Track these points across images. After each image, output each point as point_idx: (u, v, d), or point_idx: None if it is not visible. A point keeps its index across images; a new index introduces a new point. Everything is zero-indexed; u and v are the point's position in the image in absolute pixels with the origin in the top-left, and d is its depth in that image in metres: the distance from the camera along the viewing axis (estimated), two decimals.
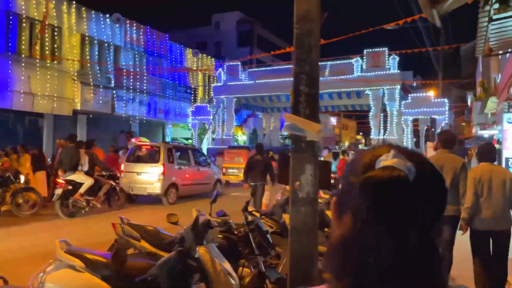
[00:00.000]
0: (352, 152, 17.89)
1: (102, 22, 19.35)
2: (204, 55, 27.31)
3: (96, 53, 19.09)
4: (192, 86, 25.67)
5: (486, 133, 23.43)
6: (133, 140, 20.35)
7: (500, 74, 8.91)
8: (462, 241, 4.67)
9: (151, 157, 12.17)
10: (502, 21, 4.57)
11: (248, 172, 9.12)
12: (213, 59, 28.06)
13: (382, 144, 0.73)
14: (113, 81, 19.44)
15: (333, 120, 58.02)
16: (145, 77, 21.47)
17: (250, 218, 3.74)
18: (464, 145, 11.68)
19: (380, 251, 0.63)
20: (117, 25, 20.08)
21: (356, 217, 0.66)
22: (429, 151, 10.23)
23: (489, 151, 4.63)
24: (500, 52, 6.05)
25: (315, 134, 2.90)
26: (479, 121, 19.91)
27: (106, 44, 19.54)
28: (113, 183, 10.35)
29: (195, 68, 25.26)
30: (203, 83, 27.37)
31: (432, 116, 11.81)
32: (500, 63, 9.14)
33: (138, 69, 21.00)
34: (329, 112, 38.23)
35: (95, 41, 18.99)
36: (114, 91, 19.54)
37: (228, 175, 17.84)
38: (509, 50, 5.71)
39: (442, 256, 0.68)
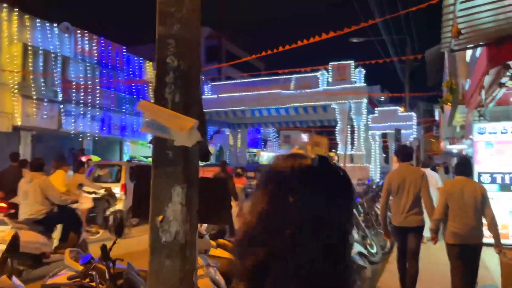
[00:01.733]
0: None
1: (48, 31, 17.85)
2: None
3: (41, 64, 17.51)
4: (152, 101, 24.25)
5: (454, 148, 23.04)
6: (82, 158, 18.72)
7: (468, 80, 8.13)
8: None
9: (111, 177, 11.76)
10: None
11: None
12: None
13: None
14: (60, 95, 17.86)
15: (305, 137, 57.57)
16: (98, 91, 19.95)
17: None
18: (433, 160, 10.89)
19: (291, 220, 0.69)
20: (66, 34, 18.62)
21: (269, 195, 0.73)
22: (395, 165, 9.28)
23: (465, 165, 4.60)
24: (470, 46, 5.16)
25: (186, 135, 1.73)
26: (447, 135, 19.39)
27: (53, 55, 17.99)
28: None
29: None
30: None
31: (398, 129, 11.15)
32: (469, 67, 8.37)
33: (90, 82, 19.48)
34: (299, 128, 37.64)
35: (40, 51, 17.43)
36: (62, 106, 17.93)
37: None
38: (480, 43, 4.82)
39: (346, 230, 0.74)
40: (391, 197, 5.02)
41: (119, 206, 10.23)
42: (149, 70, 24.26)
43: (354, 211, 7.40)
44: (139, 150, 25.68)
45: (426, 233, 5.52)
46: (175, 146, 1.75)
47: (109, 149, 22.78)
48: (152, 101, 1.94)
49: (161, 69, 1.79)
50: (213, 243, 4.42)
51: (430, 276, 5.64)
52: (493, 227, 4.28)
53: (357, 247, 5.78)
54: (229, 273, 3.93)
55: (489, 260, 6.45)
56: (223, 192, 1.98)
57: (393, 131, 19.89)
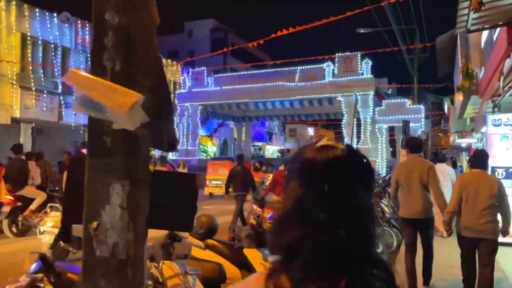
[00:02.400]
0: None
1: (48, 21, 17.48)
2: (169, 60, 25.58)
3: (40, 55, 17.17)
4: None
5: (464, 142, 22.39)
6: (84, 151, 18.44)
7: (483, 68, 7.59)
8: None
9: None
10: None
11: (229, 183, 9.19)
12: (179, 65, 26.33)
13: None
14: (60, 86, 17.52)
15: (311, 131, 56.99)
16: None
17: None
18: (440, 156, 10.35)
19: (323, 207, 0.75)
20: (66, 25, 18.24)
21: (304, 184, 0.79)
22: (402, 159, 8.79)
23: (481, 158, 4.49)
24: (488, 26, 4.65)
25: (127, 115, 1.29)
26: (456, 128, 18.76)
27: (52, 45, 17.65)
28: None
29: None
30: None
31: (406, 120, 10.62)
32: (483, 54, 7.81)
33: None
34: (305, 122, 37.08)
35: (39, 42, 17.09)
36: (62, 97, 17.61)
37: (211, 186, 17.14)
38: (500, 23, 4.32)
39: (375, 218, 0.82)
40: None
41: None
42: None
43: None
44: None
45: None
46: (114, 131, 1.31)
47: None
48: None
49: (98, 28, 1.36)
50: (200, 243, 4.01)
51: (441, 268, 5.49)
52: (507, 223, 4.24)
53: None
54: (216, 278, 3.51)
55: (506, 263, 6.01)
56: (189, 192, 1.54)
57: (401, 125, 19.36)
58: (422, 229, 4.63)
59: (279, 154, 46.09)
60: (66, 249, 5.68)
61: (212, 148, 30.52)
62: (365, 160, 0.81)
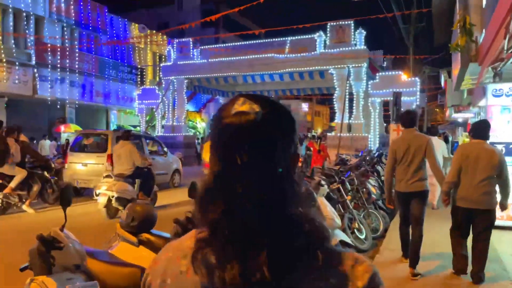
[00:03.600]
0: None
1: None
2: (154, 31, 24.36)
3: (11, 24, 16.04)
4: (139, 66, 22.79)
5: (460, 117, 21.65)
6: (62, 127, 17.58)
7: (484, 31, 6.69)
8: None
9: (98, 147, 11.21)
10: None
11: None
12: (165, 36, 25.12)
13: (235, 96, 0.81)
14: (34, 58, 16.47)
15: (305, 106, 56.00)
16: (77, 54, 18.52)
17: None
18: (436, 130, 9.63)
19: (239, 179, 0.74)
20: None
21: (220, 157, 0.78)
22: (393, 134, 8.01)
23: (482, 129, 4.44)
24: None
25: None
26: (453, 102, 17.96)
27: (24, 14, 16.48)
28: (48, 175, 9.27)
29: (142, 46, 22.37)
30: (152, 63, 24.42)
31: (398, 92, 9.67)
32: (484, 15, 6.89)
33: (67, 44, 18.02)
34: (298, 96, 36.04)
35: (9, 10, 15.93)
36: (36, 70, 16.59)
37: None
38: None
39: (299, 186, 0.78)
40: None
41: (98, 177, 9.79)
42: (135, 33, 22.68)
43: (340, 188, 6.26)
44: (128, 118, 24.49)
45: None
46: None
47: (94, 118, 21.60)
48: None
49: None
50: (132, 238, 3.26)
51: (432, 241, 5.45)
52: (505, 195, 4.23)
53: (339, 235, 4.60)
54: (137, 286, 2.77)
55: (503, 250, 5.35)
56: None
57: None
58: (416, 202, 4.56)
59: None
60: (116, 208, 7.69)
61: (201, 124, 29.66)
62: (284, 119, 0.80)
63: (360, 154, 12.52)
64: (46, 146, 15.71)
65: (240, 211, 0.72)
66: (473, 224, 4.26)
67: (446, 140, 11.89)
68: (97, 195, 7.86)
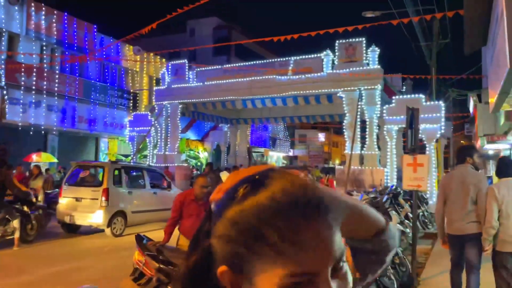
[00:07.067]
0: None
1: None
2: (151, 54, 22.70)
3: None
4: (132, 91, 20.93)
5: (492, 148, 18.74)
6: (33, 156, 15.74)
7: None
8: None
9: (93, 180, 10.92)
10: None
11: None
12: (163, 59, 23.43)
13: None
14: (3, 79, 14.77)
15: (321, 136, 53.29)
16: (57, 75, 16.78)
17: None
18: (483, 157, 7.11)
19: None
20: (16, 7, 15.53)
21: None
22: (406, 170, 5.42)
23: (508, 165, 4.32)
24: None
25: None
26: (486, 131, 15.17)
27: None
28: (27, 210, 8.97)
29: (136, 70, 20.60)
30: (148, 87, 22.58)
31: (413, 108, 7.40)
32: None
33: (45, 65, 16.31)
34: (312, 124, 33.67)
35: None
36: (5, 91, 14.85)
37: None
38: None
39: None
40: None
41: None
42: (129, 54, 20.99)
43: None
44: (122, 147, 22.51)
45: None
46: None
47: (80, 146, 19.64)
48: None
49: None
50: None
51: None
52: None
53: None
54: None
55: None
56: None
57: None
58: (472, 244, 4.35)
59: (285, 162, 42.73)
60: None
61: (203, 154, 27.49)
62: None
63: (372, 191, 10.81)
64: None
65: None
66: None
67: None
68: None
